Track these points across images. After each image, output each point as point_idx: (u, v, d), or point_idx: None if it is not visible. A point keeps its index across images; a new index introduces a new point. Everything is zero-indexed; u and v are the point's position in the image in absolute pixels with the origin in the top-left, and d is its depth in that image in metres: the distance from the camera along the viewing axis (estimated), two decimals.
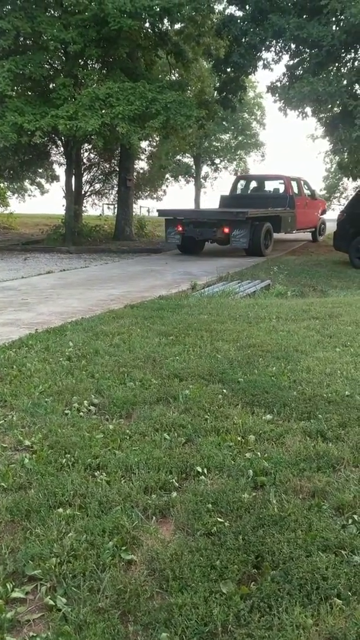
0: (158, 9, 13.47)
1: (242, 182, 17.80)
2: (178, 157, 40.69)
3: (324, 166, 48.04)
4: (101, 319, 6.39)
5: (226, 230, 13.42)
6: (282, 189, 16.53)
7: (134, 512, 2.25)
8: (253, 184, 17.95)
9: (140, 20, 13.78)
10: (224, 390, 3.71)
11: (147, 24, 15.41)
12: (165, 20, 15.27)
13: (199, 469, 2.59)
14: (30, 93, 15.32)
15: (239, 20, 16.01)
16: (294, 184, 16.57)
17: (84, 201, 20.72)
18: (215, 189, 62.11)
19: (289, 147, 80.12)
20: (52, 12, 14.77)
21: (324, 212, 19.51)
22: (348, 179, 22.45)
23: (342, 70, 15.24)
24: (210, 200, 57.34)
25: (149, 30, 15.55)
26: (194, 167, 47.36)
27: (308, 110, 15.11)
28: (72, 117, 13.44)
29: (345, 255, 14.12)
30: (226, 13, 16.84)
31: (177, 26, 16.70)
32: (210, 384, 3.89)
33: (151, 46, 16.37)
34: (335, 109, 16.01)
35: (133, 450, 2.81)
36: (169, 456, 2.73)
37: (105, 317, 6.52)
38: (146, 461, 2.67)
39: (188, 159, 43.44)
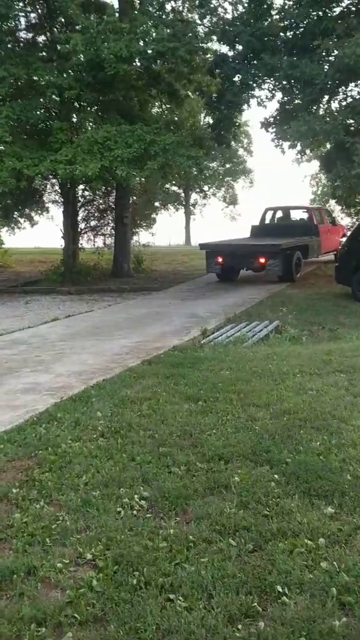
0: (153, 54, 13.63)
1: (269, 213, 19.01)
2: (167, 186, 40.98)
3: (311, 189, 48.57)
4: (122, 380, 6.30)
5: (262, 260, 14.97)
6: (306, 218, 18.03)
7: None
8: (279, 214, 19.22)
9: (135, 64, 13.93)
10: (275, 476, 3.61)
11: (138, 65, 15.55)
12: (158, 62, 15.42)
13: (279, 589, 2.48)
14: (26, 137, 15.36)
15: (230, 60, 16.30)
16: (316, 213, 18.14)
17: (80, 238, 20.71)
18: (204, 215, 62.66)
19: (275, 171, 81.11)
20: (47, 58, 14.89)
21: (344, 235, 20.80)
22: (342, 208, 22.62)
23: (333, 106, 15.52)
24: (199, 227, 57.68)
25: (142, 71, 15.69)
26: (182, 195, 47.82)
27: (300, 146, 15.24)
28: (71, 161, 13.48)
29: (347, 288, 14.17)
30: (218, 52, 17.09)
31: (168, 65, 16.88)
32: (258, 467, 3.79)
33: (144, 86, 16.53)
34: (328, 145, 16.31)
35: (202, 564, 2.70)
36: (243, 571, 2.62)
37: (125, 377, 6.43)
38: (221, 579, 2.56)
39: (176, 188, 43.77)
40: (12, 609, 2.47)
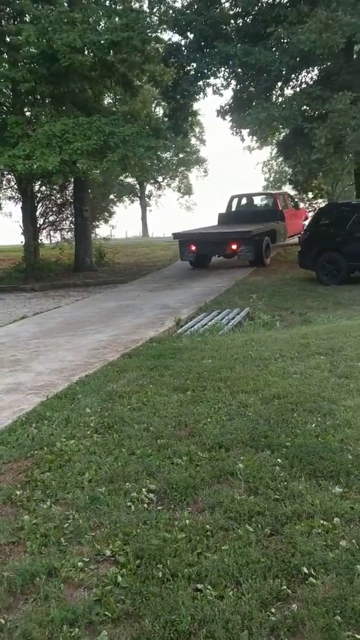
0: (107, 44, 13.44)
1: (235, 200, 19.31)
2: (121, 178, 40.61)
3: (263, 176, 49.12)
4: (106, 375, 6.25)
5: (234, 246, 15.47)
6: (271, 204, 18.47)
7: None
8: (244, 201, 19.48)
9: (89, 54, 13.70)
10: (279, 460, 3.66)
11: (92, 56, 15.32)
12: (111, 52, 15.22)
13: (305, 570, 2.52)
14: None
15: (183, 49, 16.23)
16: (280, 198, 18.62)
17: (40, 234, 20.36)
18: (160, 206, 62.46)
19: (227, 160, 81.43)
20: None
21: (306, 218, 21.31)
22: (300, 194, 22.91)
23: (287, 93, 15.67)
24: (155, 217, 57.43)
25: (95, 62, 15.46)
26: (137, 187, 47.54)
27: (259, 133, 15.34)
28: (29, 155, 13.21)
29: (310, 272, 14.41)
30: (170, 41, 16.98)
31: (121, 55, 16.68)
32: (259, 452, 3.83)
33: (98, 77, 16.30)
34: (283, 132, 16.49)
35: (224, 551, 2.71)
36: (265, 556, 2.65)
37: (108, 372, 6.38)
38: (246, 565, 2.58)
39: (131, 179, 43.42)
40: (40, 611, 2.43)
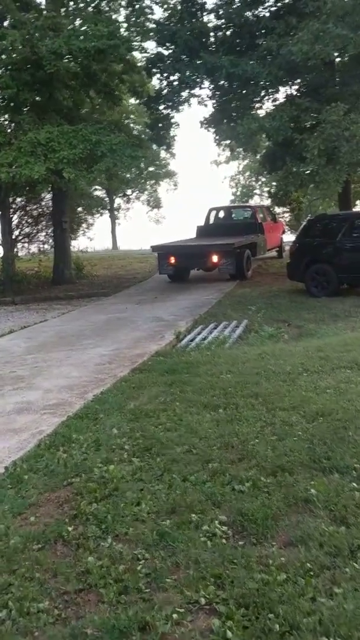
0: (93, 51, 13.13)
1: (214, 213, 18.90)
2: (92, 189, 40.00)
3: (230, 190, 49.35)
4: (122, 392, 5.86)
5: (215, 259, 15.03)
6: (250, 217, 18.02)
7: None
8: (223, 214, 19.15)
9: (76, 61, 13.36)
10: (354, 484, 3.35)
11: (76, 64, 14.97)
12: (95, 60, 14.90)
13: None
14: None
15: (166, 59, 16.03)
16: (259, 211, 18.28)
17: (14, 246, 19.75)
18: (128, 220, 62.13)
19: (196, 173, 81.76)
20: None
21: (283, 232, 21.27)
22: (277, 206, 22.92)
23: (273, 105, 15.62)
24: (124, 230, 57.08)
25: (78, 71, 15.13)
26: (107, 199, 47.10)
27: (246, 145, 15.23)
28: (11, 164, 12.73)
29: (297, 284, 14.29)
30: (151, 51, 16.79)
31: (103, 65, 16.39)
32: (328, 475, 3.52)
33: (80, 86, 15.95)
34: (268, 143, 16.42)
35: (341, 595, 2.38)
36: None
37: (123, 388, 6.00)
38: None
39: (100, 192, 42.97)
40: None
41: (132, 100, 24.94)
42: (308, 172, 12.06)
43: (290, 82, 14.59)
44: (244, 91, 14.85)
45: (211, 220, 18.66)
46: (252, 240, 16.41)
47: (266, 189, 41.60)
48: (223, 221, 18.73)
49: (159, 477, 3.72)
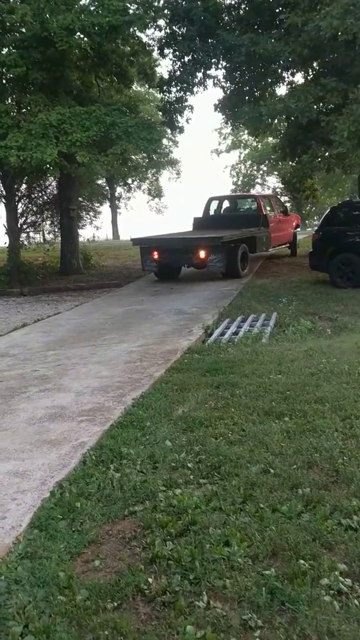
0: (107, 27, 12.37)
1: (214, 203, 17.12)
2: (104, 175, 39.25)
3: (231, 179, 48.55)
4: (165, 395, 5.23)
5: (202, 255, 13.21)
6: (254, 208, 16.32)
7: None
8: (225, 205, 17.52)
9: (89, 38, 12.59)
10: None
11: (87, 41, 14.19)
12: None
13: None
14: None
15: (181, 38, 15.26)
16: (265, 202, 16.36)
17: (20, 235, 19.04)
18: (129, 209, 61.31)
19: (196, 162, 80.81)
20: None
21: (297, 226, 19.28)
22: (294, 193, 22.17)
23: (294, 86, 14.88)
24: (126, 220, 56.27)
25: (89, 50, 14.37)
26: (107, 188, 46.25)
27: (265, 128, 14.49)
28: (22, 147, 12.01)
29: (320, 274, 13.67)
30: (165, 32, 15.98)
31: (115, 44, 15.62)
32: None
33: (90, 67, 15.20)
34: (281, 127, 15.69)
35: None
36: None
37: (165, 391, 5.37)
38: None
39: (101, 181, 42.14)
40: None
41: (134, 87, 24.05)
42: (336, 154, 11.34)
43: (313, 62, 13.82)
44: (263, 71, 14.10)
45: (211, 212, 16.99)
46: (249, 234, 14.61)
47: (268, 178, 40.88)
48: (224, 212, 17.23)
49: (241, 506, 3.09)
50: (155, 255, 13.76)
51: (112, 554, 2.79)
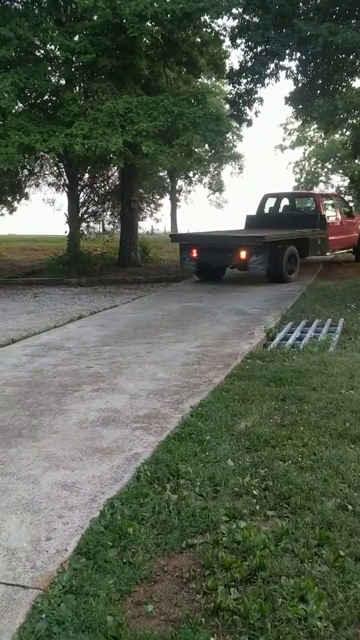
0: (180, 14, 12.00)
1: (270, 201, 16.28)
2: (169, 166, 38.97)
3: (294, 176, 47.40)
4: (226, 405, 4.84)
5: (243, 255, 12.25)
6: (312, 207, 15.28)
7: None
8: (281, 203, 16.60)
9: (161, 26, 12.27)
10: None
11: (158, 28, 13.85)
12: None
13: None
14: (30, 109, 13.65)
15: (254, 27, 14.73)
16: (326, 201, 15.33)
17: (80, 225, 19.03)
18: (189, 202, 61.00)
19: (261, 158, 79.65)
20: (56, 19, 13.13)
21: None
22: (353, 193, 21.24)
23: (357, 80, 14.12)
24: (184, 213, 55.94)
25: (159, 38, 14.05)
26: (168, 180, 46.01)
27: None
28: (87, 135, 11.82)
29: None
30: (239, 21, 15.47)
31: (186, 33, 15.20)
32: None
33: (160, 55, 14.88)
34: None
35: None
36: None
37: (225, 400, 4.98)
38: None
39: (162, 173, 41.96)
40: None
41: (201, 79, 23.57)
42: None
43: None
44: (340, 63, 13.42)
45: (266, 209, 16.05)
46: (300, 235, 13.61)
47: (332, 176, 39.64)
48: (279, 211, 16.30)
49: (317, 550, 2.68)
50: (194, 253, 12.94)
51: (167, 597, 2.44)
